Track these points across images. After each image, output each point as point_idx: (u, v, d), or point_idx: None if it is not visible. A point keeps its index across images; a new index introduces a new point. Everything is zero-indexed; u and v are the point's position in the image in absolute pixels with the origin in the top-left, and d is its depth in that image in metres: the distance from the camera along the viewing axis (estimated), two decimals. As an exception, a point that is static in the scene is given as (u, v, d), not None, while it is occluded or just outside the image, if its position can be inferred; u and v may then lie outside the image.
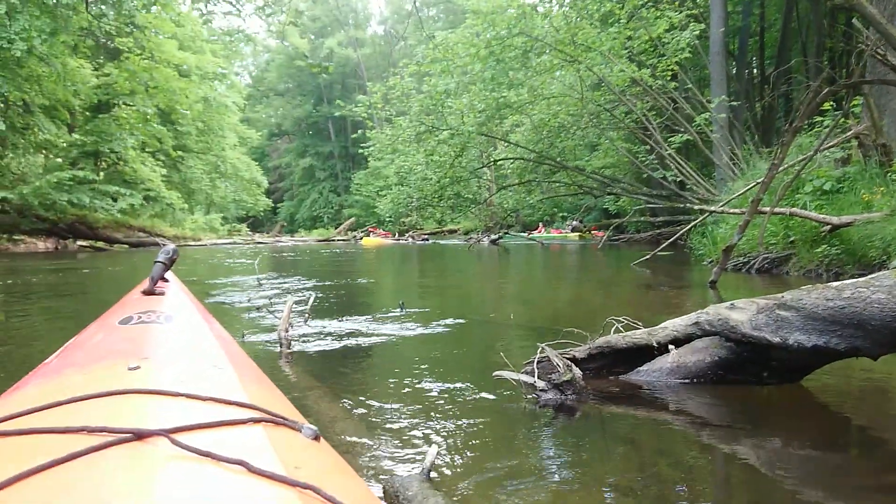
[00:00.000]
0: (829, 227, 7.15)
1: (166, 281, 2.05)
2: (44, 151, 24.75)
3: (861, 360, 2.49)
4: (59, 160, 25.06)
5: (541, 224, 27.61)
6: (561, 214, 27.78)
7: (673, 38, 14.19)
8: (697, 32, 14.39)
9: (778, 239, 8.22)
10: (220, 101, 33.05)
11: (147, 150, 27.77)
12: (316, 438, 1.03)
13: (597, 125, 16.84)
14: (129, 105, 25.60)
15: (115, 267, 12.85)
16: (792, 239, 7.95)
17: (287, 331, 3.82)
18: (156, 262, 2.00)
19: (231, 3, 25.98)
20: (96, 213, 23.69)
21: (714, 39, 15.93)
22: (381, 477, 1.78)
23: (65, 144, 24.75)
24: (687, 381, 2.79)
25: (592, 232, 25.37)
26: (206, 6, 28.78)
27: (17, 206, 20.68)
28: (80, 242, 23.23)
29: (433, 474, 1.78)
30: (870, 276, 2.29)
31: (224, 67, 34.21)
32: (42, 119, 21.56)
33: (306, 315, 4.70)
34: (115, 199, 24.92)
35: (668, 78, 14.64)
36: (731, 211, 9.22)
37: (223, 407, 1.03)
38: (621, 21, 13.82)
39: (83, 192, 23.08)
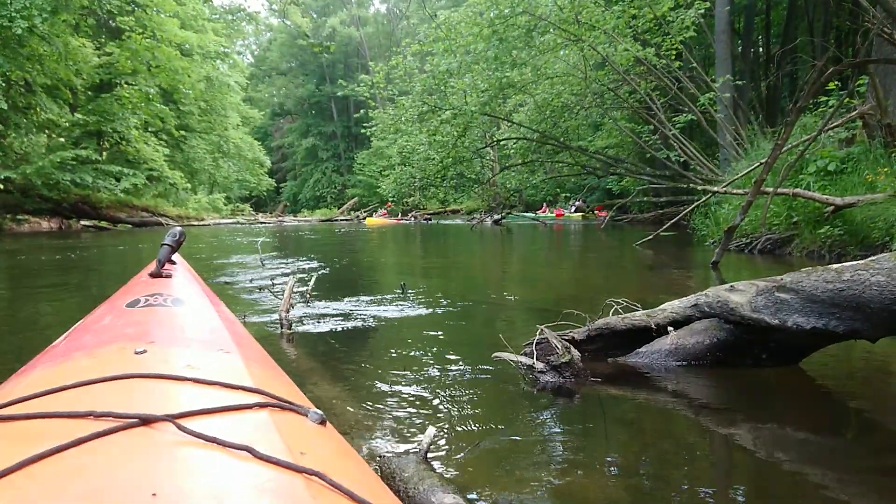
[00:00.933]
0: (832, 207, 7.12)
1: (173, 263, 2.05)
2: (46, 131, 24.69)
3: (860, 342, 2.49)
4: (62, 140, 25.00)
5: (545, 204, 27.54)
6: (564, 195, 27.71)
7: (678, 17, 14.03)
8: (702, 11, 14.22)
9: (781, 220, 8.19)
10: (223, 81, 32.84)
11: (150, 129, 27.68)
12: (322, 423, 1.03)
13: (600, 105, 16.72)
14: (132, 84, 25.45)
15: (119, 247, 12.87)
16: (795, 220, 7.92)
17: (288, 312, 3.83)
18: (163, 244, 2.01)
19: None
20: (99, 192, 23.68)
21: (719, 17, 15.77)
22: (378, 457, 1.79)
23: (67, 124, 24.66)
24: (685, 363, 2.80)
25: (595, 212, 25.32)
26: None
27: (20, 185, 20.70)
28: (83, 222, 23.27)
29: (430, 455, 1.79)
30: (869, 259, 2.28)
31: (226, 46, 33.95)
32: (44, 98, 21.49)
33: (307, 296, 4.71)
34: (118, 179, 24.88)
35: (673, 57, 14.50)
36: (735, 191, 9.17)
37: (229, 392, 1.03)
38: (625, -1, 13.69)
39: (86, 172, 23.05)
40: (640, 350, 2.89)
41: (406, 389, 2.56)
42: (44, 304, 5.19)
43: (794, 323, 2.41)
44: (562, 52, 15.59)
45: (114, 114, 24.79)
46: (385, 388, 2.59)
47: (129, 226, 24.00)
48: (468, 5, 14.96)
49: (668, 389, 2.57)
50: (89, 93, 25.43)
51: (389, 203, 35.40)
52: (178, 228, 2.13)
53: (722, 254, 7.01)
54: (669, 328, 2.89)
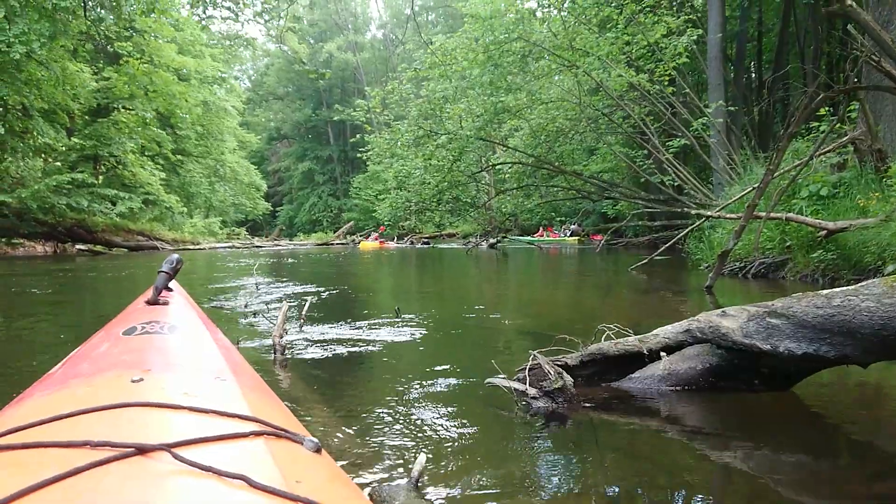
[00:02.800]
0: (824, 232, 7.16)
1: (170, 290, 2.06)
2: (43, 155, 24.72)
3: (851, 367, 2.50)
4: (58, 164, 25.03)
5: (541, 228, 27.63)
6: (559, 219, 27.83)
7: (670, 43, 14.22)
8: (695, 37, 14.42)
9: (774, 244, 8.24)
10: (219, 105, 32.99)
11: (146, 153, 27.76)
12: (318, 451, 1.03)
13: (595, 129, 16.88)
14: (129, 109, 25.57)
15: (115, 272, 12.85)
16: (788, 244, 7.96)
17: (282, 337, 3.83)
18: (160, 271, 2.01)
19: (230, 8, 25.98)
20: (95, 216, 23.67)
21: (711, 44, 15.97)
22: (369, 485, 1.78)
23: (64, 148, 24.71)
24: (678, 388, 2.80)
25: (592, 237, 25.42)
26: (204, 11, 28.78)
27: (16, 209, 20.71)
28: (78, 246, 23.21)
29: (422, 483, 1.79)
30: (859, 284, 2.30)
31: (223, 71, 34.17)
32: (41, 123, 21.54)
33: (300, 321, 4.70)
34: (114, 203, 24.89)
35: (666, 83, 14.66)
36: (728, 216, 9.23)
37: (225, 420, 1.03)
38: (619, 26, 13.86)
39: (81, 196, 23.07)
40: (632, 375, 2.90)
41: (399, 415, 2.56)
42: (39, 331, 5.18)
43: (785, 348, 2.42)
44: (556, 78, 15.80)
45: (110, 138, 24.88)
46: (377, 413, 2.59)
47: (125, 250, 23.94)
48: (463, 31, 15.14)
49: (660, 415, 2.57)
50: (86, 117, 25.53)
51: (382, 227, 35.65)
52: (176, 256, 2.15)
53: (715, 278, 7.04)
54: (662, 353, 2.90)
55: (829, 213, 7.76)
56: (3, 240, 21.41)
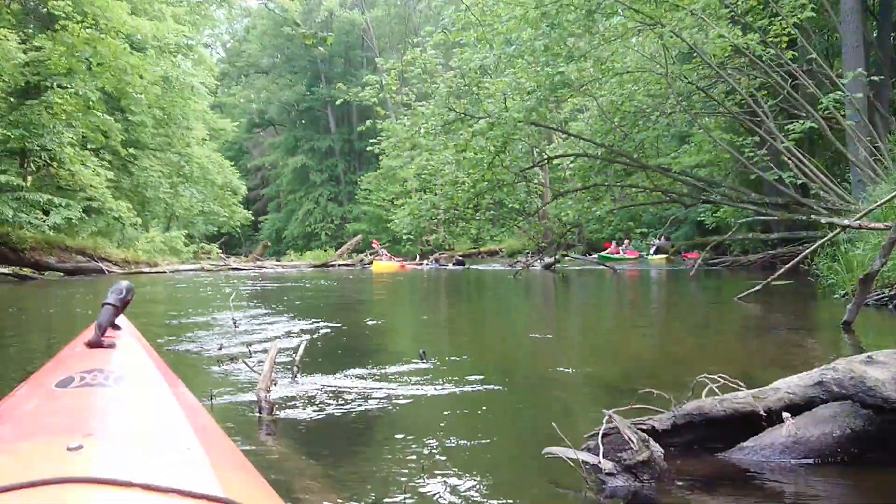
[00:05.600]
0: None
1: (118, 328, 2.06)
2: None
3: None
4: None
5: (613, 243, 27.47)
6: (639, 230, 27.68)
7: (790, -9, 14.14)
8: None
9: (938, 264, 8.10)
10: (185, 82, 33.40)
11: (89, 146, 28.12)
12: None
13: (687, 109, 16.80)
14: (66, 88, 25.99)
15: (47, 303, 13.05)
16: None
17: (269, 390, 3.85)
18: (104, 303, 2.00)
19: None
20: (22, 229, 24.00)
21: (847, -9, 15.83)
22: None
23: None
24: (809, 461, 2.76)
25: (684, 256, 25.20)
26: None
27: None
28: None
29: None
30: None
31: (190, 37, 34.65)
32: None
33: (295, 369, 4.73)
34: (46, 212, 25.23)
35: (784, 46, 14.57)
36: (873, 226, 9.10)
37: (189, 501, 1.03)
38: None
39: (5, 203, 23.43)
40: (744, 444, 2.86)
41: (425, 499, 2.55)
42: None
43: (957, 408, 2.38)
44: (634, 40, 15.75)
45: (43, 126, 25.22)
46: (399, 496, 2.58)
47: (61, 274, 24.16)
48: (509, -20, 15.18)
49: (785, 498, 2.53)
50: (11, 99, 25.99)
51: (376, 243, 36.42)
52: (126, 283, 2.14)
53: (856, 311, 6.93)
54: (785, 414, 2.86)
55: None
56: None
